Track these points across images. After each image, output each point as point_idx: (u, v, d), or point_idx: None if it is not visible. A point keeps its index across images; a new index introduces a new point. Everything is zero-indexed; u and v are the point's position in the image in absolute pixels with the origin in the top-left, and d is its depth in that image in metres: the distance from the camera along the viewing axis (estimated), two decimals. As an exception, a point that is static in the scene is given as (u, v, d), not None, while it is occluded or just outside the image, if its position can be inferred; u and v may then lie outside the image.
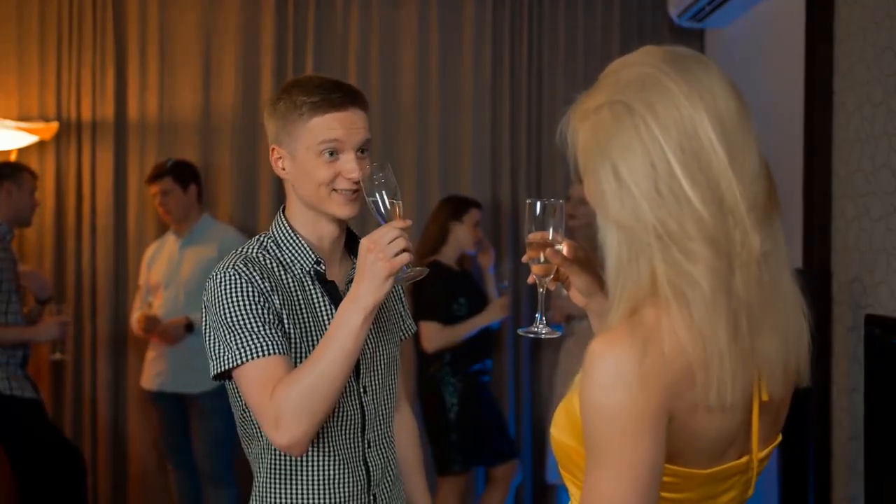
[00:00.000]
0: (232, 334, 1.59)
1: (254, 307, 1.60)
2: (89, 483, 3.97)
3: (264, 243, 1.74)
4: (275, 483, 1.70)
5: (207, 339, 1.64)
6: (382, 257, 1.52)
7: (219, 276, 1.64)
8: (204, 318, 1.67)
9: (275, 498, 1.70)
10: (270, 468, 1.70)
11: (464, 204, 3.84)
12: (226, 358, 1.59)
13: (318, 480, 1.69)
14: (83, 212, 4.19)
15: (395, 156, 4.21)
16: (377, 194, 1.59)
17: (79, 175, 4.18)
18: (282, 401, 1.52)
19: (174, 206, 3.84)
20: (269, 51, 4.24)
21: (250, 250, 1.72)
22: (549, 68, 4.35)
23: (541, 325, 1.53)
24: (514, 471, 3.86)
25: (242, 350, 1.57)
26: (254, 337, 1.58)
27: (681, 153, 1.03)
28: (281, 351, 1.58)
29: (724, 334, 1.01)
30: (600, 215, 1.09)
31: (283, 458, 1.69)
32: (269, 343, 1.58)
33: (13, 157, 3.99)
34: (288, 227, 1.74)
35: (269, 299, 1.63)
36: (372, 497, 1.74)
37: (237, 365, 1.58)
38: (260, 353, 1.57)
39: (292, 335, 1.64)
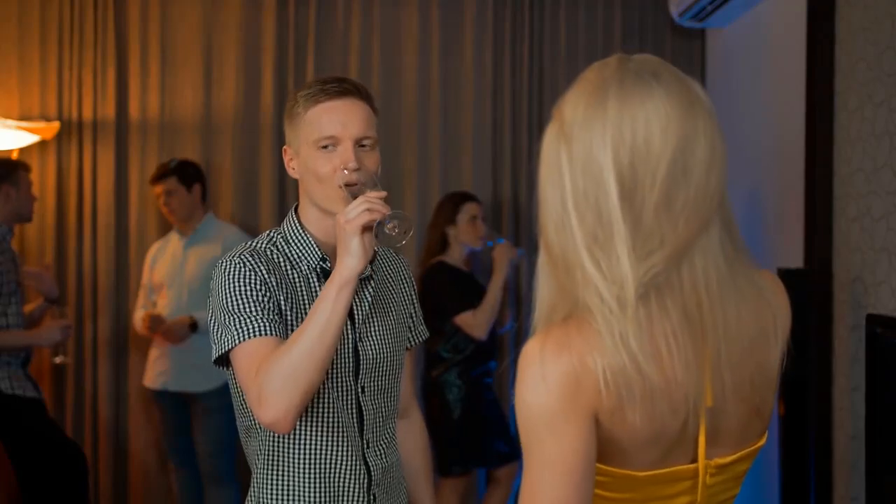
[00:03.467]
0: (231, 318, 1.60)
1: (255, 294, 1.62)
2: (91, 482, 3.97)
3: (273, 239, 1.75)
4: (272, 477, 1.71)
5: (211, 324, 1.66)
6: (344, 221, 1.53)
7: (225, 263, 1.66)
8: (209, 305, 1.68)
9: (272, 493, 1.70)
10: (268, 462, 1.70)
11: (457, 201, 3.82)
12: (224, 341, 1.61)
13: (316, 476, 1.69)
14: (84, 211, 4.19)
15: (396, 156, 4.22)
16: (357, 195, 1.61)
17: (80, 175, 4.18)
18: (264, 377, 1.52)
19: (178, 205, 3.84)
20: (270, 51, 4.24)
21: (259, 244, 1.74)
22: (550, 68, 4.35)
23: None
24: (516, 471, 3.85)
25: (238, 332, 1.59)
26: (250, 320, 1.59)
27: (581, 190, 1.06)
28: (274, 333, 1.59)
29: (608, 365, 1.03)
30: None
31: (280, 452, 1.69)
32: (264, 325, 1.59)
33: (14, 157, 3.99)
34: (298, 224, 1.75)
35: (272, 290, 1.64)
36: (372, 497, 1.74)
37: (233, 346, 1.59)
38: (253, 334, 1.58)
39: (295, 326, 1.65)
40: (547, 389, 1.04)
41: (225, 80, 4.25)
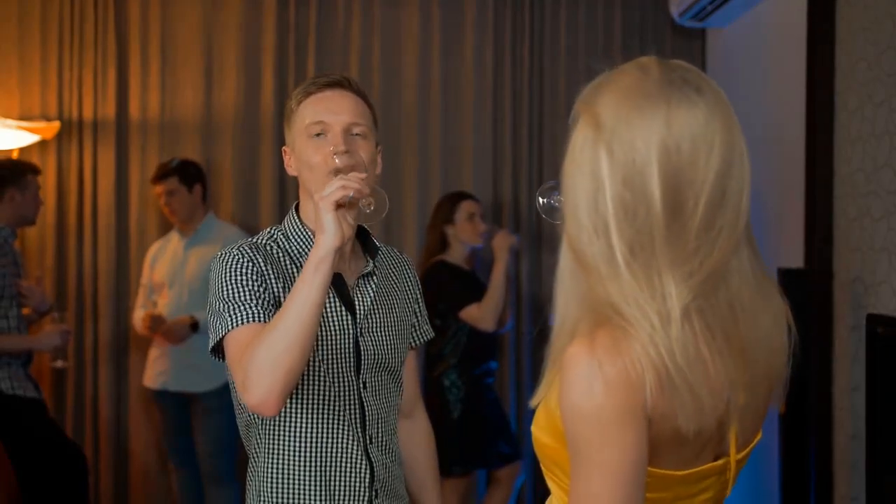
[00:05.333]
0: (225, 306, 1.61)
1: (250, 283, 1.63)
2: (91, 483, 3.97)
3: (274, 235, 1.77)
4: (273, 472, 1.71)
5: (209, 314, 1.67)
6: (319, 198, 1.53)
7: (223, 254, 1.68)
8: (209, 295, 1.68)
9: (272, 487, 1.70)
10: (268, 456, 1.71)
11: (454, 201, 3.82)
12: (218, 329, 1.61)
13: (317, 471, 1.70)
14: (84, 211, 4.19)
15: (396, 155, 4.22)
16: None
17: (80, 174, 4.18)
18: (248, 360, 1.52)
19: (179, 205, 3.84)
20: (271, 50, 4.24)
21: (260, 240, 1.76)
22: (550, 68, 4.35)
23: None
24: (517, 472, 3.85)
25: (230, 318, 1.59)
26: (243, 307, 1.60)
27: (619, 201, 1.04)
28: (265, 320, 1.59)
29: (652, 375, 1.03)
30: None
31: (281, 447, 1.70)
32: (256, 312, 1.60)
33: (15, 156, 3.98)
34: (297, 220, 1.77)
35: (269, 282, 1.65)
36: (374, 493, 1.75)
37: (225, 333, 1.59)
38: (245, 321, 1.58)
39: None
40: (607, 392, 1.01)
41: (225, 80, 4.25)
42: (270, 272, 1.66)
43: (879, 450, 2.47)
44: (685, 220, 1.03)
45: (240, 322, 1.59)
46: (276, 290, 1.66)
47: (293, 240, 1.75)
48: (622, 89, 1.07)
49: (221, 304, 1.62)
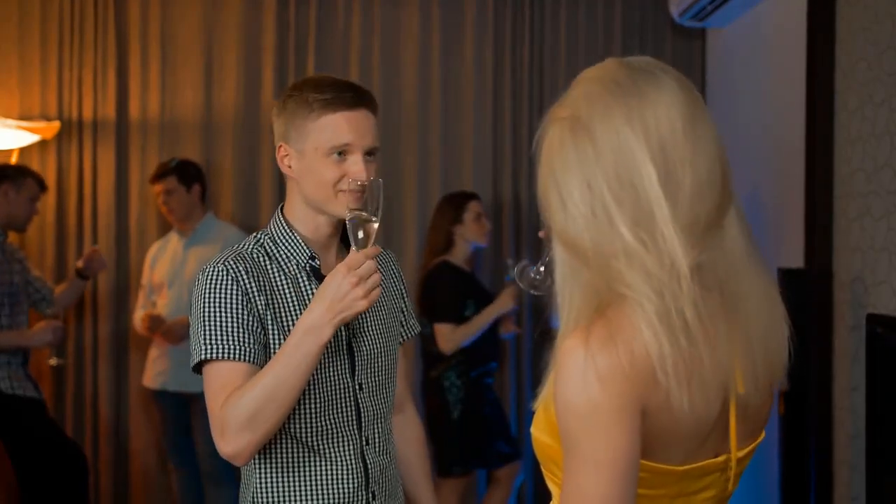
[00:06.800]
0: (206, 329, 1.60)
1: (234, 306, 1.61)
2: (91, 482, 3.97)
3: (261, 240, 1.75)
4: (268, 476, 1.70)
5: (191, 331, 1.66)
6: (362, 294, 1.53)
7: (207, 271, 1.65)
8: (191, 311, 1.67)
9: (268, 492, 1.70)
10: (264, 461, 1.70)
11: (461, 200, 3.82)
12: (196, 351, 1.61)
13: (312, 476, 1.69)
14: (84, 211, 4.19)
15: (396, 156, 4.22)
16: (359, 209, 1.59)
17: (80, 174, 4.18)
18: (229, 411, 1.54)
19: (177, 205, 3.84)
20: (271, 50, 4.24)
21: (246, 247, 1.73)
22: (551, 67, 4.35)
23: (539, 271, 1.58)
24: (517, 471, 3.85)
25: (212, 346, 1.59)
26: (226, 337, 1.59)
27: (613, 177, 1.07)
28: (248, 359, 1.59)
29: (667, 345, 1.04)
30: (550, 227, 1.14)
31: (277, 451, 1.69)
32: (239, 348, 1.59)
33: (14, 157, 3.99)
34: (284, 224, 1.75)
35: (253, 300, 1.63)
36: (371, 494, 1.74)
37: (204, 359, 1.59)
38: (227, 356, 1.58)
39: (276, 333, 1.64)
40: (600, 386, 1.02)
41: (225, 80, 4.25)
42: (254, 287, 1.64)
43: (879, 450, 2.47)
44: (678, 182, 1.07)
45: (221, 355, 1.58)
46: (259, 308, 1.64)
47: (280, 244, 1.73)
48: (591, 83, 1.13)
49: (200, 326, 1.61)
